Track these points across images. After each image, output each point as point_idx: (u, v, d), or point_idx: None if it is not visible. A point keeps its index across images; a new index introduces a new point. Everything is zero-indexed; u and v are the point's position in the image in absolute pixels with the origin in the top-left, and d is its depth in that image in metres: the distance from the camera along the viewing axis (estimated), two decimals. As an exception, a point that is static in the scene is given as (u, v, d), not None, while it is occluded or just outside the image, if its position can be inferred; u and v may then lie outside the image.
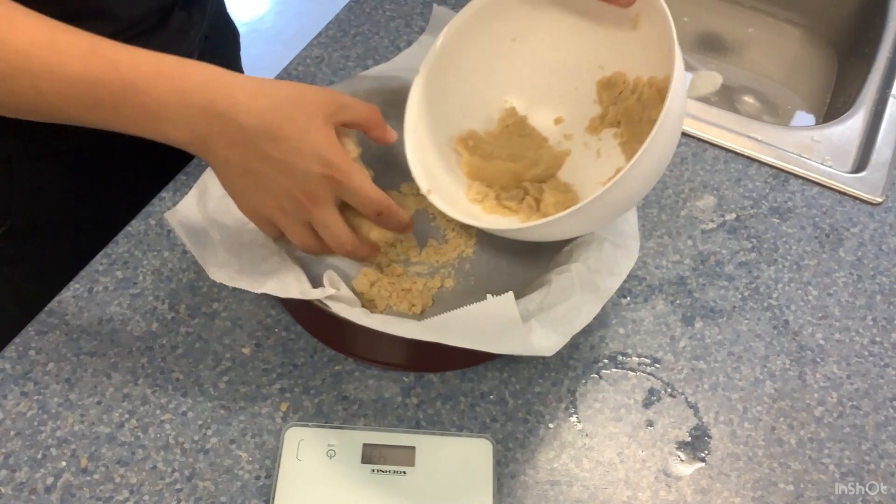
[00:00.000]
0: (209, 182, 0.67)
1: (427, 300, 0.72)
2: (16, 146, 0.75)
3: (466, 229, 0.77)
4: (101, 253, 0.75)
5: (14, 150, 0.76)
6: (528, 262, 0.76)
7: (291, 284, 0.62)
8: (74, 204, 0.83)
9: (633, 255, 0.68)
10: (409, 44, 0.93)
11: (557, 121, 0.76)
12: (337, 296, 0.62)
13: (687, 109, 0.93)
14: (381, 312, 0.71)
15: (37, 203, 0.80)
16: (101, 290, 0.73)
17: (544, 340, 0.60)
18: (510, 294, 0.58)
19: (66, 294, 0.72)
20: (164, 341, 0.70)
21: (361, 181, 0.60)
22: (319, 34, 0.97)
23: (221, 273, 0.63)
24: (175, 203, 0.79)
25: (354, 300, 0.63)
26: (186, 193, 0.79)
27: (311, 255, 0.68)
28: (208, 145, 0.57)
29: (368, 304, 0.71)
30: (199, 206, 0.66)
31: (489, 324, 0.59)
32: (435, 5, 0.88)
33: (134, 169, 0.84)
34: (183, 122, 0.55)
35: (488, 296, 0.59)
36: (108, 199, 0.83)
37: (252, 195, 0.60)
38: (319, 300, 0.62)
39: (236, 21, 1.02)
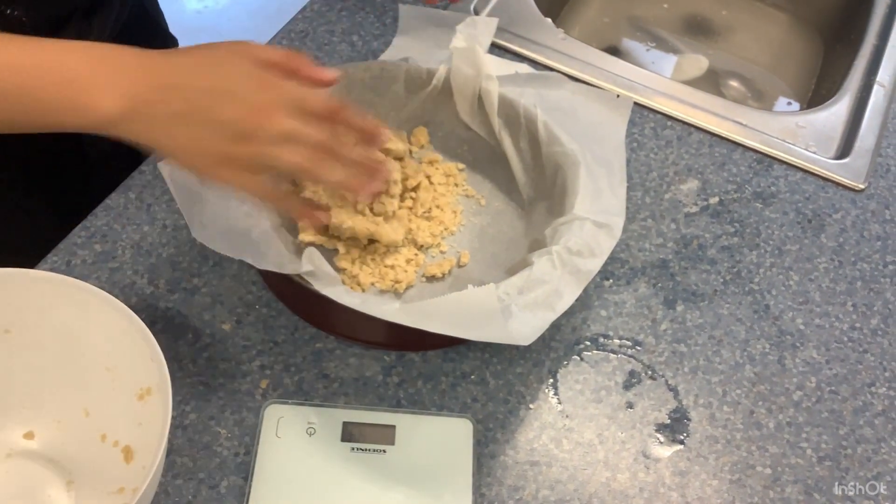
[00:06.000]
0: None
1: (411, 278, 0.71)
2: None
3: (452, 207, 0.77)
4: (80, 226, 0.74)
5: None
6: (512, 241, 0.76)
7: (270, 256, 0.61)
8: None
9: (616, 234, 0.67)
10: (396, 20, 0.92)
11: None
12: (316, 272, 0.61)
13: (673, 92, 0.94)
14: (365, 290, 0.70)
15: None
16: (79, 263, 0.72)
17: (523, 327, 0.60)
18: (491, 285, 0.59)
19: (44, 266, 0.71)
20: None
21: (312, 68, 0.56)
22: (304, 8, 0.96)
23: (204, 234, 0.62)
24: (156, 176, 0.78)
25: (335, 277, 0.63)
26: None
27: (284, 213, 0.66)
28: (142, 109, 0.53)
29: (351, 280, 0.71)
30: None
31: (469, 313, 0.59)
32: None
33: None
34: (111, 89, 0.53)
35: (469, 286, 0.60)
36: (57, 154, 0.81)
37: (199, 139, 0.54)
38: (301, 276, 0.61)
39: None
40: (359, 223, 0.70)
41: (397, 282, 0.71)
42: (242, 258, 0.61)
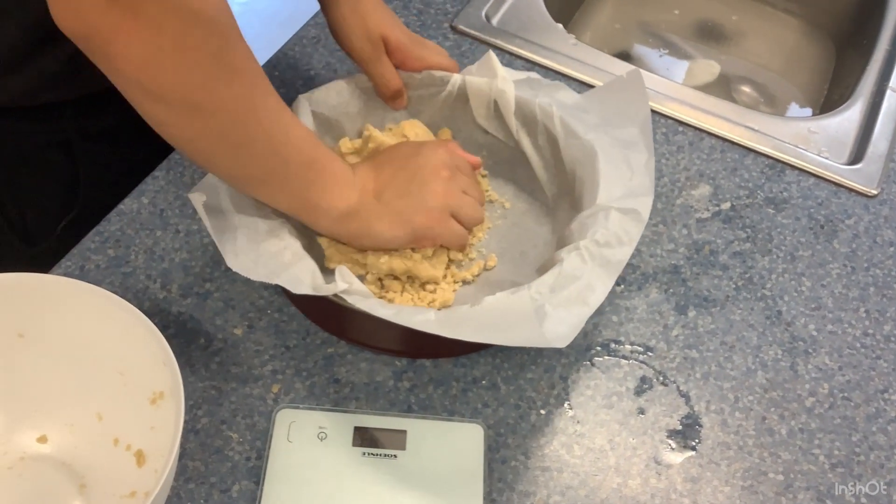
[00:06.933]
0: None
1: (449, 297, 0.71)
2: (72, 127, 0.76)
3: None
4: (93, 231, 0.74)
5: (71, 133, 0.76)
6: (540, 240, 0.76)
7: (305, 279, 0.61)
8: (132, 186, 0.82)
9: (644, 218, 0.67)
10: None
11: None
12: (350, 290, 0.61)
13: (684, 98, 0.94)
14: None
15: (101, 187, 0.80)
16: (93, 268, 0.72)
17: (559, 326, 0.59)
18: (524, 288, 0.59)
19: (57, 271, 0.72)
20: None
21: (472, 158, 0.74)
22: (316, 14, 0.96)
23: (237, 261, 0.62)
24: (169, 181, 0.78)
25: (368, 293, 0.62)
26: (180, 171, 0.79)
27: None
28: (365, 195, 0.65)
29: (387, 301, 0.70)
30: (222, 187, 0.65)
31: (504, 318, 0.59)
32: None
33: None
34: (349, 187, 0.65)
35: (499, 294, 0.59)
36: None
37: (417, 199, 0.67)
38: (337, 295, 0.61)
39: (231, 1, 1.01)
40: (395, 259, 0.69)
41: (433, 300, 0.70)
42: (278, 283, 0.60)
